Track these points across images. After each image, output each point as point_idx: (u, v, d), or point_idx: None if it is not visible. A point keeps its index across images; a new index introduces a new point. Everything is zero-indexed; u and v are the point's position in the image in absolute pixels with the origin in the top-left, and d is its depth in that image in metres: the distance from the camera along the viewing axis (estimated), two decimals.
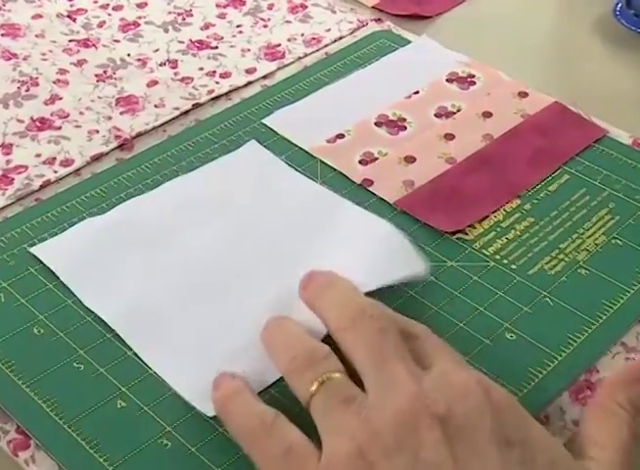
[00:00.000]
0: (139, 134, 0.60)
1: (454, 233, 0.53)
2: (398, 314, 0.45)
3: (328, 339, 0.44)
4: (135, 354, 0.47)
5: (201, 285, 0.50)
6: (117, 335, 0.48)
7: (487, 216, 0.54)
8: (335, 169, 0.57)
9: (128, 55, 0.66)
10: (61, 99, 0.62)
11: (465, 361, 0.43)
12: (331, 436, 0.39)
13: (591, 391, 0.46)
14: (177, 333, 0.48)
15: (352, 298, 0.45)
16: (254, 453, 0.41)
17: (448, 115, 0.61)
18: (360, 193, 0.56)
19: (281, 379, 0.44)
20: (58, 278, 0.50)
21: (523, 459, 0.38)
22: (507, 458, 0.38)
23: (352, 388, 0.41)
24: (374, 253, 0.51)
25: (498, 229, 0.54)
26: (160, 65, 0.65)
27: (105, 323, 0.48)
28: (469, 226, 0.54)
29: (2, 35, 0.68)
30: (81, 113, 0.61)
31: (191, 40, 0.68)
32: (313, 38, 0.68)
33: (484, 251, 0.52)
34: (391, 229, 0.52)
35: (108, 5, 0.71)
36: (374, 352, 0.41)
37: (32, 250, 0.52)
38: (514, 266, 0.51)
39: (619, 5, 0.72)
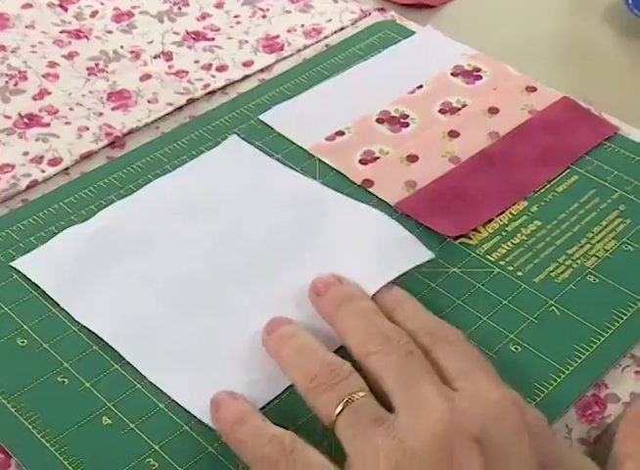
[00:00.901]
0: (131, 131, 0.58)
1: (457, 237, 0.51)
2: (430, 316, 0.44)
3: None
4: (122, 367, 0.45)
5: (192, 289, 0.48)
6: (104, 346, 0.46)
7: (492, 219, 0.52)
8: (334, 169, 0.55)
9: (121, 47, 0.64)
10: (50, 94, 0.60)
11: (496, 375, 0.41)
12: (362, 457, 0.38)
13: (599, 407, 0.44)
14: (173, 341, 0.46)
15: (376, 320, 0.43)
16: None
17: (453, 111, 0.59)
18: (360, 194, 0.53)
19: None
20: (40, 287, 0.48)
21: None
22: None
23: (380, 408, 0.39)
24: (376, 247, 0.49)
25: (503, 233, 0.51)
26: (155, 57, 0.63)
27: (91, 334, 0.46)
28: (473, 230, 0.51)
29: None
30: (71, 109, 0.59)
31: (187, 31, 0.65)
32: (314, 29, 0.65)
33: (489, 256, 0.50)
34: (387, 219, 0.50)
35: None
36: (402, 375, 0.40)
37: (15, 264, 0.50)
38: (519, 273, 0.49)
39: None
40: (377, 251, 0.49)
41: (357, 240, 0.50)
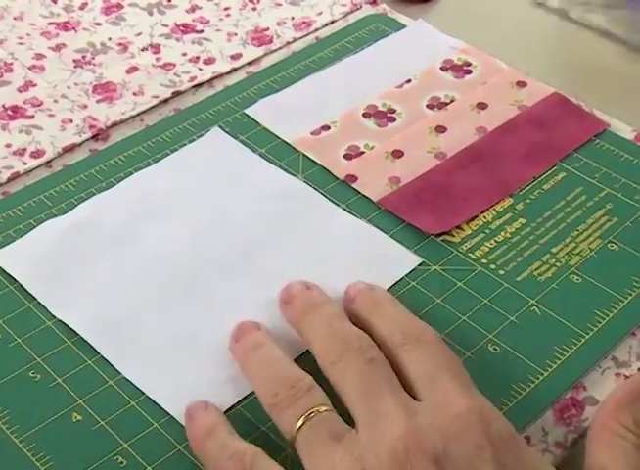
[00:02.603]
0: (115, 124, 0.57)
1: (440, 235, 0.50)
2: (408, 316, 0.43)
3: None
4: (95, 363, 0.44)
5: (172, 285, 0.48)
6: (78, 341, 0.45)
7: (476, 217, 0.51)
8: (318, 164, 0.54)
9: (109, 39, 0.63)
10: (35, 86, 0.59)
11: (467, 380, 0.40)
12: None
13: (577, 409, 0.43)
14: (150, 337, 0.45)
15: (339, 327, 0.42)
16: None
17: (441, 106, 0.58)
18: (343, 190, 0.53)
19: None
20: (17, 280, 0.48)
21: None
22: None
23: (340, 423, 0.38)
24: (362, 259, 0.49)
25: (487, 231, 0.50)
26: (142, 50, 0.62)
27: (66, 328, 0.46)
28: (456, 227, 0.51)
29: None
30: (56, 101, 0.58)
31: (176, 24, 0.65)
32: (304, 22, 0.65)
33: (471, 254, 0.49)
34: (370, 228, 0.51)
35: None
36: (363, 386, 0.39)
37: None
38: (501, 272, 0.48)
39: None
40: (363, 263, 0.49)
41: (342, 249, 0.50)
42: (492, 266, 0.49)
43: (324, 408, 0.39)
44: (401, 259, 0.49)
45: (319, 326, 0.43)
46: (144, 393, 0.43)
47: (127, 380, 0.44)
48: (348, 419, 0.39)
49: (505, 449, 0.37)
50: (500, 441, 0.37)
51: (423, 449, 0.36)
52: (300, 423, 0.38)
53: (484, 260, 0.49)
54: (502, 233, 0.50)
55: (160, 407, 0.43)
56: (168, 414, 0.42)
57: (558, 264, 0.49)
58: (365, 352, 0.40)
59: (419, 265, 0.49)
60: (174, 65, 0.61)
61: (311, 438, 0.38)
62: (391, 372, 0.40)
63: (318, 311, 0.43)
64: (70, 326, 0.46)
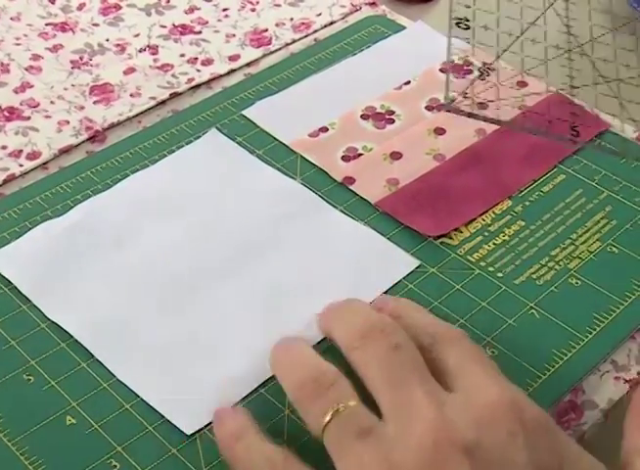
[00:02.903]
0: (112, 125, 0.57)
1: (438, 237, 0.50)
2: (424, 313, 0.43)
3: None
4: (89, 366, 0.44)
5: (168, 288, 0.47)
6: (72, 344, 0.45)
7: (475, 219, 0.51)
8: (315, 166, 0.54)
9: (107, 40, 0.63)
10: (32, 87, 0.59)
11: (497, 371, 0.39)
12: None
13: (576, 413, 0.43)
14: (145, 340, 0.45)
15: (362, 313, 0.41)
16: None
17: (440, 107, 0.58)
18: (340, 192, 0.52)
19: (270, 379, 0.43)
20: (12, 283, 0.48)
21: None
22: None
23: (368, 417, 0.37)
24: (360, 262, 0.49)
25: (486, 233, 0.50)
26: (140, 51, 0.62)
27: (60, 331, 0.45)
28: (454, 230, 0.50)
29: None
30: (52, 102, 0.58)
31: (174, 24, 0.64)
32: (303, 23, 0.64)
33: (469, 257, 0.49)
34: (368, 231, 0.50)
35: None
36: (388, 374, 0.38)
37: None
38: (500, 274, 0.48)
39: None
40: (361, 265, 0.48)
41: (340, 252, 0.49)
42: (490, 269, 0.48)
43: (352, 402, 0.37)
44: (399, 262, 0.49)
45: (343, 315, 0.42)
46: (138, 396, 0.43)
47: (121, 383, 0.43)
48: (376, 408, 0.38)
49: (538, 435, 0.36)
50: (533, 427, 0.36)
51: (452, 441, 0.35)
52: (328, 418, 0.37)
53: (483, 263, 0.48)
54: (501, 236, 0.50)
55: (155, 410, 0.42)
56: (163, 417, 0.42)
57: (557, 267, 0.48)
58: (389, 336, 0.39)
59: (417, 268, 0.48)
60: (172, 66, 0.61)
61: (339, 434, 0.36)
62: (420, 358, 0.38)
63: (345, 306, 0.43)
64: (65, 328, 0.45)
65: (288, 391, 0.40)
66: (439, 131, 0.56)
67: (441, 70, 0.60)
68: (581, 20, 0.60)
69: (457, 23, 0.58)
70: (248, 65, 0.61)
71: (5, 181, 0.53)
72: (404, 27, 0.64)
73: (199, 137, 0.56)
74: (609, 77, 0.58)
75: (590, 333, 0.45)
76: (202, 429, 0.42)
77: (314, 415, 0.38)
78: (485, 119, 0.53)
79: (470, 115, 0.54)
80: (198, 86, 0.60)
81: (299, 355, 0.41)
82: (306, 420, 0.39)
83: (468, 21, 0.58)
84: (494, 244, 0.49)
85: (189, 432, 0.41)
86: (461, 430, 0.35)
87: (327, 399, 0.38)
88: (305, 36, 0.64)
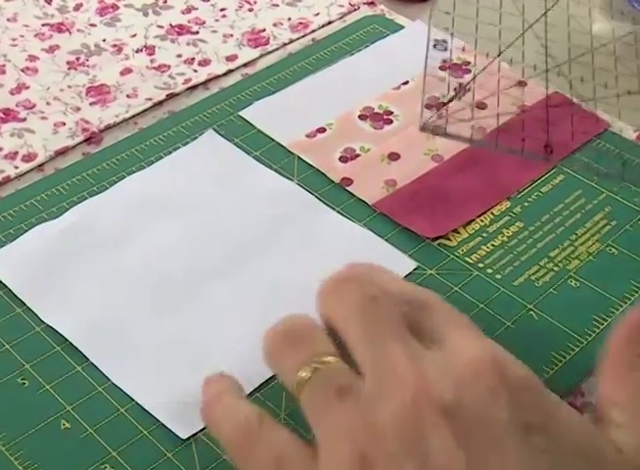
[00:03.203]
0: (108, 127, 0.56)
1: (436, 239, 0.49)
2: (398, 280, 0.41)
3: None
4: (84, 369, 0.44)
5: (164, 290, 0.47)
6: (67, 347, 0.45)
7: (473, 220, 0.50)
8: (313, 167, 0.54)
9: (104, 40, 0.62)
10: (28, 88, 0.58)
11: (477, 330, 0.37)
12: (327, 436, 0.34)
13: None
14: (141, 344, 0.45)
15: (344, 270, 0.39)
16: (244, 465, 0.36)
17: (439, 106, 0.57)
18: (338, 193, 0.52)
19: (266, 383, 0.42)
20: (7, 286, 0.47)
21: (546, 446, 0.33)
22: (529, 448, 0.33)
23: (347, 374, 0.35)
24: (358, 261, 0.47)
25: (484, 234, 0.50)
26: (137, 51, 0.62)
27: (55, 334, 0.45)
28: (452, 231, 0.50)
29: None
30: (48, 103, 0.57)
31: (171, 25, 0.64)
32: (300, 23, 0.64)
33: (468, 258, 0.48)
34: (366, 232, 0.50)
35: None
36: (365, 327, 0.36)
37: None
38: (498, 276, 0.48)
39: None
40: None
41: (337, 253, 0.48)
42: (489, 271, 0.48)
43: (329, 358, 0.36)
44: (397, 264, 0.48)
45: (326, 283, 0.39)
46: (133, 399, 0.43)
47: (116, 386, 0.43)
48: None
49: (522, 394, 0.34)
50: (516, 385, 0.34)
51: (431, 400, 0.33)
52: (304, 375, 0.35)
53: (481, 265, 0.48)
54: (499, 237, 0.50)
55: (150, 414, 0.42)
56: (158, 421, 0.42)
57: (556, 269, 0.48)
58: (365, 287, 0.37)
59: (414, 270, 0.48)
60: (169, 66, 0.60)
61: (316, 394, 0.35)
62: (398, 314, 0.37)
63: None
64: (60, 332, 0.45)
65: (263, 344, 0.38)
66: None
67: (440, 69, 0.60)
68: (560, 41, 0.60)
69: (434, 45, 0.58)
70: (245, 65, 0.61)
71: (0, 183, 0.53)
72: (402, 27, 0.64)
73: (195, 138, 0.55)
74: (585, 97, 0.57)
75: (590, 335, 0.45)
76: (197, 433, 0.41)
77: (289, 370, 0.36)
78: (459, 139, 0.53)
79: (445, 134, 0.53)
80: (195, 87, 0.59)
81: (280, 319, 0.39)
82: (281, 376, 0.37)
83: (445, 42, 0.58)
84: (493, 245, 0.49)
85: (184, 436, 0.41)
86: (440, 390, 0.33)
87: (303, 353, 0.36)
88: (303, 36, 0.63)
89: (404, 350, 0.35)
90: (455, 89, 0.56)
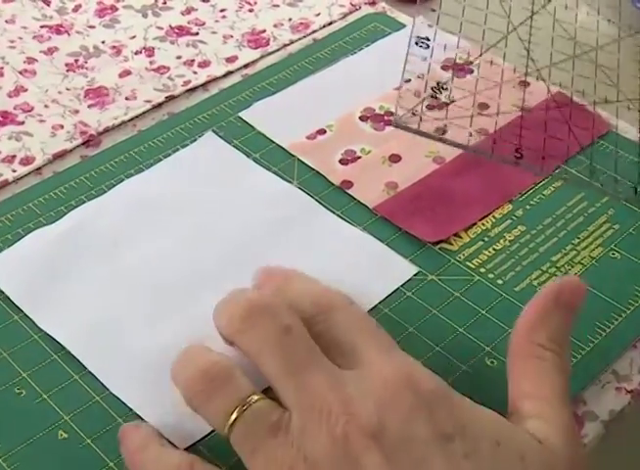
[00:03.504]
0: (107, 129, 0.56)
1: (437, 242, 0.49)
2: (312, 287, 0.42)
3: None
4: (82, 378, 0.43)
5: (163, 297, 0.47)
6: (64, 355, 0.44)
7: (475, 224, 0.50)
8: (313, 169, 0.53)
9: (102, 42, 0.62)
10: (26, 91, 0.58)
11: (388, 341, 0.39)
12: None
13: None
14: (140, 352, 0.44)
15: (242, 296, 0.40)
16: None
17: (441, 106, 0.57)
18: (338, 196, 0.51)
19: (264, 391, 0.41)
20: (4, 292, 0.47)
21: (466, 451, 0.35)
22: (451, 457, 0.35)
23: (273, 410, 0.37)
24: (359, 266, 0.48)
25: (486, 239, 0.49)
26: (136, 53, 0.61)
27: (52, 342, 0.45)
28: (454, 235, 0.49)
29: None
30: (46, 106, 0.57)
31: (170, 26, 0.63)
32: (301, 23, 0.63)
33: (469, 263, 0.48)
34: (367, 237, 0.49)
35: None
36: (283, 360, 0.37)
37: None
38: (500, 281, 0.47)
39: None
40: (358, 272, 0.48)
41: (336, 258, 0.48)
42: (491, 276, 0.47)
43: (254, 396, 0.37)
44: (397, 269, 0.48)
45: (222, 304, 0.41)
46: (131, 409, 0.42)
47: (114, 396, 0.43)
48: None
49: (438, 406, 0.36)
50: (431, 398, 0.36)
51: (360, 428, 0.35)
52: (233, 418, 0.36)
53: (483, 269, 0.48)
54: (501, 241, 0.49)
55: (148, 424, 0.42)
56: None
57: (558, 274, 0.47)
58: (277, 318, 0.38)
59: (415, 275, 0.47)
60: (168, 68, 0.60)
61: (247, 434, 0.36)
62: (312, 341, 0.38)
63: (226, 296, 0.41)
64: (57, 339, 0.45)
65: (181, 391, 0.39)
66: (440, 131, 0.55)
67: (442, 69, 0.59)
68: (543, 45, 0.59)
69: (416, 43, 0.57)
70: (245, 66, 0.60)
71: None
72: (404, 25, 0.63)
73: (195, 140, 0.55)
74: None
75: (592, 342, 0.44)
76: (195, 443, 0.41)
77: (216, 414, 0.37)
78: (430, 137, 0.52)
79: (417, 132, 0.53)
80: (194, 88, 0.59)
81: (191, 354, 0.40)
82: (208, 420, 0.38)
83: (428, 40, 0.57)
84: (494, 249, 0.49)
85: (183, 446, 0.41)
86: (365, 415, 0.35)
87: (227, 396, 0.37)
88: (304, 37, 0.63)
89: (324, 378, 0.37)
90: (433, 88, 0.55)
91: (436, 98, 0.54)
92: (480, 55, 0.58)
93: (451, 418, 0.36)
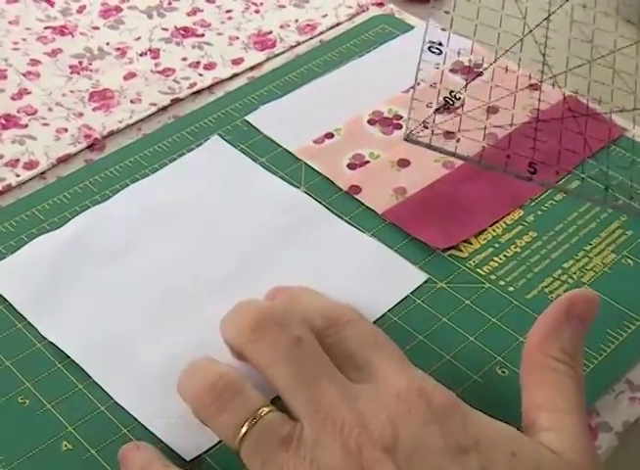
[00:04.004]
0: (111, 133, 0.55)
1: (447, 249, 0.48)
2: (318, 298, 0.42)
3: None
4: (86, 388, 0.43)
5: (169, 304, 0.46)
6: (69, 364, 0.44)
7: (485, 230, 0.49)
8: (320, 174, 0.52)
9: (107, 44, 0.61)
10: (30, 93, 0.57)
11: (398, 354, 0.39)
12: None
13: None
14: (145, 361, 0.44)
15: (252, 306, 0.40)
16: None
17: (450, 110, 0.56)
18: (346, 201, 0.51)
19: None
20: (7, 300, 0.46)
21: (482, 463, 0.35)
22: (466, 468, 0.35)
23: (285, 422, 0.36)
24: (368, 273, 0.47)
25: (496, 245, 0.48)
26: (141, 55, 0.60)
27: (57, 351, 0.44)
28: (463, 241, 0.48)
29: None
30: (50, 109, 0.56)
31: (176, 27, 0.63)
32: (308, 25, 0.63)
33: (479, 270, 0.47)
34: (375, 243, 0.49)
35: None
36: (294, 372, 0.37)
37: None
38: (511, 289, 0.46)
39: None
40: (367, 279, 0.47)
41: (344, 265, 0.48)
42: (501, 283, 0.47)
43: (264, 409, 0.36)
44: (407, 276, 0.47)
45: (230, 314, 0.40)
46: (137, 419, 0.41)
47: (119, 406, 0.42)
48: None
49: (449, 418, 0.36)
50: (443, 411, 0.36)
51: (373, 441, 0.35)
52: (244, 431, 0.36)
53: (493, 276, 0.47)
54: (512, 247, 0.48)
55: (153, 435, 0.41)
56: (161, 442, 0.41)
57: (570, 281, 0.46)
58: (288, 328, 0.38)
59: (425, 282, 0.47)
60: (174, 70, 0.59)
61: (259, 448, 0.36)
62: (323, 353, 0.38)
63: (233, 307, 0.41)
64: (61, 348, 0.44)
65: (189, 404, 0.38)
66: (449, 136, 0.54)
67: (451, 71, 0.58)
68: (559, 48, 0.58)
69: (429, 48, 0.56)
70: (251, 68, 0.60)
71: (1, 192, 0.52)
72: (413, 27, 0.63)
73: (200, 144, 0.54)
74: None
75: (604, 351, 0.43)
76: (202, 454, 0.40)
77: (225, 428, 0.37)
78: (442, 152, 0.52)
79: (429, 146, 0.52)
80: (200, 91, 0.58)
81: (198, 366, 0.40)
82: (217, 433, 0.38)
83: (441, 44, 0.56)
84: (505, 256, 0.48)
85: (189, 458, 0.40)
86: (378, 428, 0.35)
87: (236, 410, 0.37)
88: (311, 38, 0.62)
89: (337, 391, 0.36)
90: (445, 98, 0.55)
91: (449, 108, 0.54)
92: (495, 61, 0.57)
93: (465, 430, 0.35)
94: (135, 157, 0.54)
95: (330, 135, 0.54)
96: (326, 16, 0.63)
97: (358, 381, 0.37)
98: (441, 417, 0.36)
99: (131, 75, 0.59)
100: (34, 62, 0.60)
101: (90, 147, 0.54)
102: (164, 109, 0.57)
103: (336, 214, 0.50)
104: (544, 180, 0.51)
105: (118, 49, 0.61)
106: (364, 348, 0.38)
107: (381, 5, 0.65)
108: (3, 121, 0.55)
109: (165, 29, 0.62)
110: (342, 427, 0.35)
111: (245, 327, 0.38)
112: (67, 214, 0.50)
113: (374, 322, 0.44)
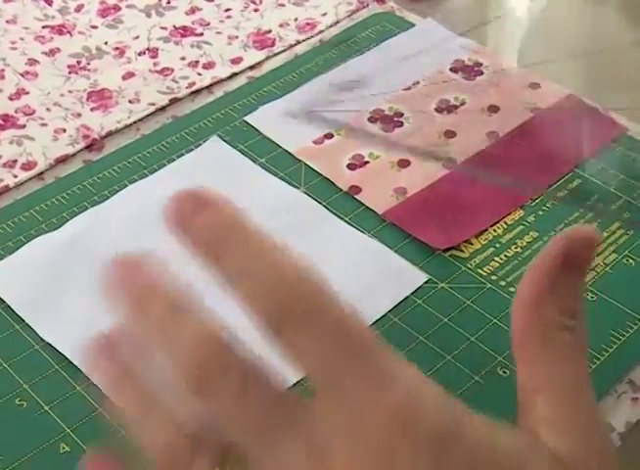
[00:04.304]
0: (110, 133, 0.55)
1: (447, 249, 0.48)
2: (261, 259, 0.30)
3: None
4: (84, 389, 0.42)
5: None
6: (66, 366, 0.43)
7: (486, 230, 0.49)
8: (320, 174, 0.52)
9: (105, 43, 0.61)
10: (28, 93, 0.57)
11: (378, 364, 0.29)
12: None
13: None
14: None
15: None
16: None
17: (450, 109, 0.56)
18: (346, 202, 0.50)
19: None
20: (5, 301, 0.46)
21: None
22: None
23: None
24: (368, 273, 0.47)
25: (497, 245, 0.48)
26: (139, 54, 0.60)
27: (54, 352, 0.44)
28: (464, 241, 0.48)
29: None
30: (48, 109, 0.56)
31: (174, 26, 0.62)
32: (307, 24, 0.62)
33: (480, 270, 0.47)
34: (374, 244, 0.48)
35: None
36: (247, 429, 0.29)
37: None
38: (512, 289, 0.46)
39: None
40: (367, 280, 0.46)
41: (345, 265, 0.47)
42: (502, 283, 0.46)
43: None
44: (407, 276, 0.47)
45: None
46: None
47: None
48: None
49: (441, 446, 0.28)
50: (431, 439, 0.28)
51: None
52: None
53: (494, 277, 0.46)
54: (512, 247, 0.48)
55: None
56: None
57: None
58: (227, 374, 0.30)
59: (425, 282, 0.46)
60: (172, 70, 0.59)
61: None
62: (276, 392, 0.30)
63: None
64: (60, 350, 0.44)
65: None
66: (449, 135, 0.54)
67: (452, 70, 0.58)
68: (598, 18, 0.58)
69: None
70: (251, 68, 0.59)
71: None
72: (413, 25, 0.62)
73: (199, 145, 0.54)
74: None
75: (606, 351, 0.43)
76: None
77: None
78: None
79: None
80: (198, 91, 0.58)
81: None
82: None
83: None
84: (506, 256, 0.47)
85: None
86: None
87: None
88: (310, 37, 0.61)
89: (307, 452, 0.28)
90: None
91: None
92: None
93: (459, 458, 0.29)
94: (134, 157, 0.53)
95: (329, 135, 0.54)
96: (326, 14, 0.63)
97: (321, 399, 0.29)
98: (430, 447, 0.28)
99: (130, 75, 0.58)
100: (32, 61, 0.59)
101: (88, 147, 0.54)
102: (163, 109, 0.56)
103: (336, 215, 0.50)
104: (544, 181, 0.51)
105: (117, 48, 0.60)
106: (329, 358, 0.29)
107: (381, 2, 0.64)
108: (1, 122, 0.55)
109: (164, 28, 0.62)
110: None
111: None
112: (65, 215, 0.50)
113: (374, 323, 0.44)
